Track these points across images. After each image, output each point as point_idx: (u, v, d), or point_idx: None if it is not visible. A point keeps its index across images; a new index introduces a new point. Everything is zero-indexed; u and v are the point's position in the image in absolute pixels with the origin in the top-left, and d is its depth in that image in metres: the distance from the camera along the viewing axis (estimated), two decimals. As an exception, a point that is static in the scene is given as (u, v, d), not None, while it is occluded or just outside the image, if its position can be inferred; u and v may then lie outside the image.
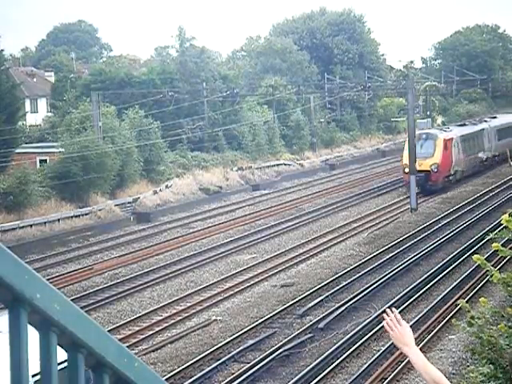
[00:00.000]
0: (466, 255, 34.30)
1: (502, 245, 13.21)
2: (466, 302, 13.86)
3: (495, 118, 72.03)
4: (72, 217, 45.59)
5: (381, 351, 23.96)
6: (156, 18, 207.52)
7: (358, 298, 29.52)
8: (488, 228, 37.94)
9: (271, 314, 27.93)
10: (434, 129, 63.05)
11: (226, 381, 22.09)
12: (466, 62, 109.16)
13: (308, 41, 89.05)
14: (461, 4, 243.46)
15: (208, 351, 24.31)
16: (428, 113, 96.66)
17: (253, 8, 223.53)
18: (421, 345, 24.47)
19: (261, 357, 23.58)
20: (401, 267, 33.85)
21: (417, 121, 73.85)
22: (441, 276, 32.35)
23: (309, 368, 22.65)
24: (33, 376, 2.38)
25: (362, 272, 33.20)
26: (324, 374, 22.33)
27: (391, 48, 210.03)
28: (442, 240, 38.67)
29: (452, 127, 61.81)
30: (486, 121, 67.92)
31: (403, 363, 23.00)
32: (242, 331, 26.17)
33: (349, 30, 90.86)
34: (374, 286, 31.02)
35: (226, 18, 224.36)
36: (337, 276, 32.80)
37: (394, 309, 4.88)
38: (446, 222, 43.54)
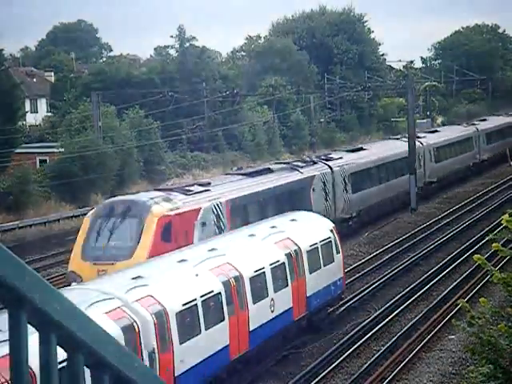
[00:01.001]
0: (465, 255, 34.31)
1: (502, 245, 13.22)
2: (466, 302, 13.85)
3: (361, 149, 44.81)
4: (72, 217, 45.58)
5: (381, 351, 23.97)
6: (156, 18, 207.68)
7: (358, 297, 29.53)
8: (488, 228, 37.96)
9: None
10: (149, 193, 29.14)
11: None
12: (465, 62, 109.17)
13: (308, 41, 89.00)
14: (461, 4, 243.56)
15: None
16: (428, 113, 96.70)
17: (253, 8, 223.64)
18: (421, 345, 24.50)
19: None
20: (401, 267, 33.85)
21: (417, 121, 73.91)
22: (441, 276, 32.36)
23: (309, 368, 22.66)
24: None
25: (362, 272, 33.19)
26: (324, 374, 22.33)
27: (391, 48, 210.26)
28: (441, 240, 38.67)
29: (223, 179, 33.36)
30: (334, 159, 40.01)
31: (403, 363, 23.01)
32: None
33: (349, 29, 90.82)
34: (374, 285, 31.03)
35: (226, 17, 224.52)
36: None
37: None
38: (445, 222, 43.52)
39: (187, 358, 17.99)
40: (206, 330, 18.85)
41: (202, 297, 18.97)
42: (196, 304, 18.76)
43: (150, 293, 17.51)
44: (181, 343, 17.80)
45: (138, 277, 18.17)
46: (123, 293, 17.14)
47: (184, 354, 17.86)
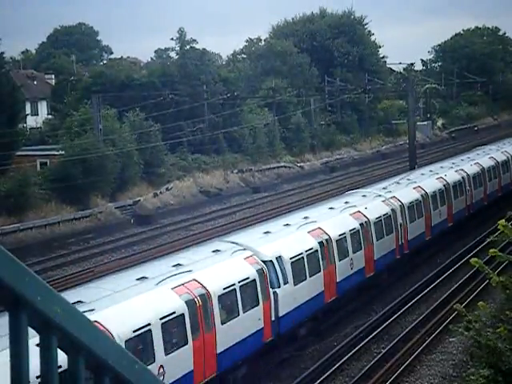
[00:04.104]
0: (466, 257, 34.25)
1: (501, 249, 13.21)
2: (466, 305, 13.83)
3: None
4: (72, 219, 45.56)
5: (381, 354, 23.95)
6: (156, 21, 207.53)
7: (359, 300, 29.50)
8: (487, 231, 37.90)
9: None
10: None
11: None
12: (466, 65, 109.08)
13: (308, 43, 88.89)
14: (461, 6, 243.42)
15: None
16: (428, 115, 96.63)
17: (253, 10, 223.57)
18: (421, 347, 24.48)
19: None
20: (400, 269, 33.81)
21: (417, 123, 73.89)
22: (441, 278, 32.33)
23: (309, 370, 22.65)
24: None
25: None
26: (324, 376, 22.32)
27: (391, 50, 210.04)
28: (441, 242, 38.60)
29: None
30: None
31: (404, 366, 23.00)
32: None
33: (349, 32, 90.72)
34: (375, 288, 30.99)
35: (226, 20, 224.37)
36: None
37: None
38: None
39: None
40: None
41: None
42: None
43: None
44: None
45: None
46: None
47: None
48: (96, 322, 14.94)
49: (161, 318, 17.74)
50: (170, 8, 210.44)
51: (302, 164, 70.51)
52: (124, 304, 17.51)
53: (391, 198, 32.61)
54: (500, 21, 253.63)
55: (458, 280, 31.72)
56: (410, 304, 29.08)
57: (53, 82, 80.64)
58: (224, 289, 20.43)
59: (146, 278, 19.27)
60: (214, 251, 22.31)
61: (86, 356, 2.43)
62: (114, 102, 57.64)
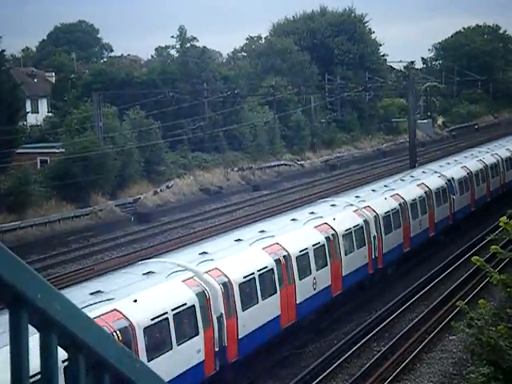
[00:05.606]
0: (466, 256, 34.25)
1: (502, 246, 13.20)
2: (466, 303, 13.82)
3: None
4: (73, 217, 45.58)
5: (381, 352, 23.95)
6: (157, 19, 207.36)
7: (359, 298, 29.51)
8: (488, 229, 37.90)
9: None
10: None
11: None
12: (466, 63, 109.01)
13: (308, 41, 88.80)
14: (461, 4, 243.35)
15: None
16: (429, 113, 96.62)
17: (253, 8, 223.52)
18: (421, 345, 24.48)
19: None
20: (401, 268, 33.80)
21: (417, 121, 73.83)
22: (441, 277, 32.33)
23: (309, 368, 22.65)
24: None
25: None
26: (325, 374, 22.33)
27: (392, 48, 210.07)
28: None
29: None
30: None
31: (404, 364, 23.00)
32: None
33: (349, 30, 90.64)
34: (375, 286, 31.00)
35: (226, 18, 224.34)
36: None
37: None
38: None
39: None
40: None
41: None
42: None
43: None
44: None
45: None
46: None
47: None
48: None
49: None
50: (171, 6, 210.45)
51: (302, 162, 70.49)
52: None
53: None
54: (500, 19, 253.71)
55: (457, 279, 31.71)
56: (409, 302, 29.08)
57: (53, 79, 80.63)
58: (437, 188, 37.12)
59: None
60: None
61: (86, 354, 2.43)
62: (115, 99, 57.63)
